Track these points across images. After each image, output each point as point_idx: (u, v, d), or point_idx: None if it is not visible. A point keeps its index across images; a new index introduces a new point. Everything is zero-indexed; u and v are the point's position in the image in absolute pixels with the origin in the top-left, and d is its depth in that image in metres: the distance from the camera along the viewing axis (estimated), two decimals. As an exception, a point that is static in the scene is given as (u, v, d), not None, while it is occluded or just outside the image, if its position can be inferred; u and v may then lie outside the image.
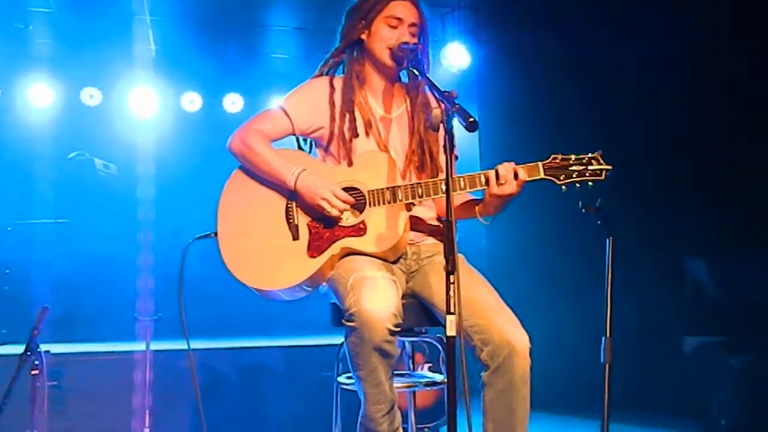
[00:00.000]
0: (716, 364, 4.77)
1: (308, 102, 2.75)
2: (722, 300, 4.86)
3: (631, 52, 4.99)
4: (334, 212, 2.57)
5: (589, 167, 2.52)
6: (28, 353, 3.28)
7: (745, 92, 4.64)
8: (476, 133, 2.12)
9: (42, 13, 5.90)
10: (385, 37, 2.71)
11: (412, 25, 2.73)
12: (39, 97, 6.22)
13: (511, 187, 2.49)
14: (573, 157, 2.53)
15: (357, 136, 2.70)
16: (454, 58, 6.02)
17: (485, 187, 2.53)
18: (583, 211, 2.81)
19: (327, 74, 2.83)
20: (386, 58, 2.71)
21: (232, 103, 6.86)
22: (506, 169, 2.50)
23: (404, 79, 2.87)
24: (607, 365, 3.03)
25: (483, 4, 5.91)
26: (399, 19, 2.71)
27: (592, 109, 5.11)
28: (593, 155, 2.54)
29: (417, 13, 2.76)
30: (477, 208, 2.64)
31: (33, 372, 3.27)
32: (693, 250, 5.08)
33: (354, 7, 2.82)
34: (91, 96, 6.45)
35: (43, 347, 3.38)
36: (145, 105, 6.30)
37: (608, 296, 3.03)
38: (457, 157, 2.85)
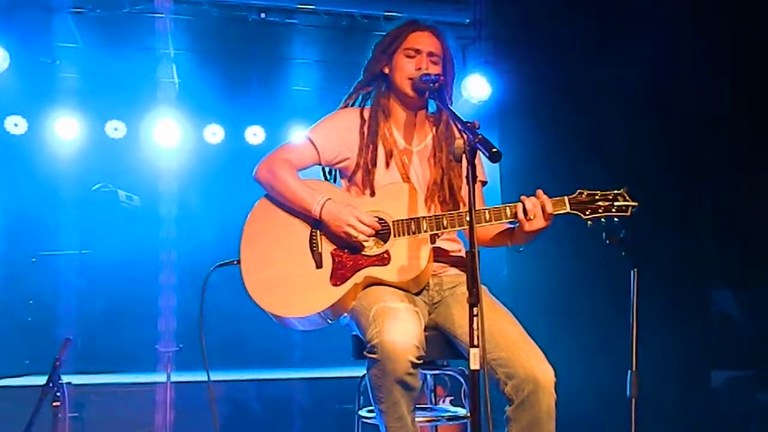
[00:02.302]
0: (745, 399, 4.67)
1: (335, 132, 2.77)
2: (751, 333, 4.77)
3: (654, 80, 4.98)
4: (361, 237, 2.56)
5: (615, 203, 2.53)
6: (50, 385, 3.28)
7: (765, 114, 4.61)
8: (498, 163, 2.11)
9: (68, 48, 6.03)
10: (404, 68, 2.74)
11: (432, 54, 2.74)
12: (65, 129, 6.32)
13: (540, 222, 2.50)
14: (599, 192, 2.55)
15: (376, 165, 2.71)
16: (475, 90, 6.03)
17: (510, 219, 2.53)
18: (608, 242, 2.80)
19: (352, 106, 2.85)
20: (407, 89, 2.73)
21: (254, 135, 6.92)
22: (533, 203, 2.50)
23: (432, 109, 2.87)
24: (633, 400, 2.98)
25: (502, 35, 5.93)
26: (417, 50, 2.74)
27: (614, 138, 5.08)
28: (619, 191, 2.55)
29: (438, 44, 2.78)
30: (509, 239, 2.66)
31: (54, 404, 3.27)
32: (719, 282, 5.00)
33: (379, 41, 2.86)
34: (115, 129, 6.55)
35: (64, 379, 3.38)
36: (169, 137, 6.37)
37: (634, 329, 2.99)
38: (485, 183, 2.84)
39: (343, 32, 6.03)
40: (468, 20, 6.12)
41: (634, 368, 2.99)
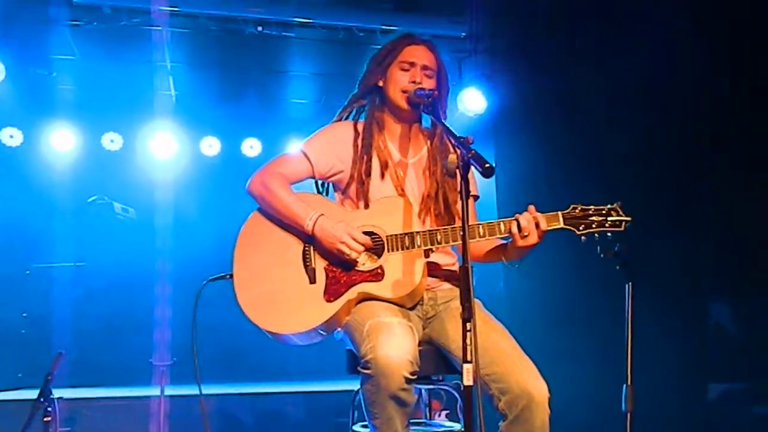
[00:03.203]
0: (742, 412, 4.65)
1: (329, 145, 2.77)
2: (747, 345, 4.76)
3: (650, 94, 4.99)
4: (353, 255, 2.55)
5: (609, 218, 2.53)
6: (41, 399, 3.26)
7: (764, 127, 4.62)
8: (493, 177, 2.11)
9: (65, 61, 6.03)
10: (398, 80, 2.74)
11: (426, 68, 2.75)
12: (61, 141, 6.32)
13: (534, 238, 2.51)
14: (593, 207, 2.55)
15: (370, 176, 2.70)
16: (471, 103, 6.04)
17: (504, 235, 2.53)
18: (602, 256, 2.79)
19: (347, 119, 2.85)
20: (401, 102, 2.73)
21: (251, 147, 6.93)
22: (527, 219, 2.50)
23: (426, 122, 2.88)
24: (628, 414, 2.97)
25: (498, 49, 5.95)
26: (412, 63, 2.75)
27: (610, 151, 5.09)
28: (612, 206, 2.56)
29: (432, 57, 2.78)
30: (503, 254, 2.66)
31: (46, 419, 3.24)
32: (715, 294, 4.99)
33: (374, 54, 2.86)
34: (112, 141, 6.55)
35: (56, 393, 3.36)
36: (165, 150, 6.37)
37: (629, 342, 2.99)
38: (477, 197, 2.84)
39: (339, 45, 6.04)
40: (464, 34, 6.13)
41: (629, 382, 2.98)
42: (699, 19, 4.68)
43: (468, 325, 2.04)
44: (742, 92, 4.66)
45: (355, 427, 2.73)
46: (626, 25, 4.96)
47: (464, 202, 2.14)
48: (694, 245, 4.91)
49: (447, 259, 2.76)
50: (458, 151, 2.19)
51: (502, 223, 2.53)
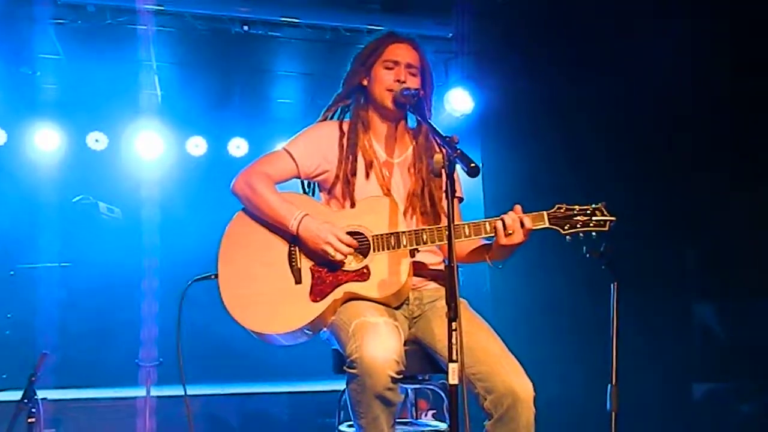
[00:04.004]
0: (726, 410, 4.69)
1: (314, 145, 2.76)
2: (731, 345, 4.80)
3: (635, 96, 5.01)
4: (338, 256, 2.55)
5: (593, 218, 2.54)
6: (25, 400, 3.24)
7: (754, 133, 4.65)
8: (480, 177, 2.12)
9: (50, 60, 5.98)
10: (383, 79, 2.74)
11: (410, 66, 2.75)
12: (45, 141, 6.28)
13: (519, 236, 2.51)
14: (577, 207, 2.56)
15: (355, 175, 2.70)
16: (458, 103, 6.05)
17: (490, 235, 2.54)
18: (588, 256, 2.80)
19: (332, 119, 2.84)
20: (387, 102, 2.73)
21: (237, 147, 6.91)
22: (512, 218, 2.51)
23: (412, 122, 2.88)
24: (613, 413, 2.99)
25: (485, 49, 5.97)
26: (396, 61, 2.75)
27: (596, 152, 5.11)
28: (597, 206, 2.57)
29: (416, 55, 2.79)
30: (487, 255, 2.65)
31: (30, 420, 3.22)
32: (701, 295, 5.03)
33: (357, 53, 2.86)
34: (96, 140, 6.51)
35: (41, 394, 3.33)
36: (151, 149, 6.34)
37: (614, 342, 3.00)
38: (461, 199, 2.85)
39: (326, 45, 6.03)
40: (451, 34, 6.14)
41: (614, 382, 3.00)
42: (699, 19, 4.70)
43: (453, 325, 2.04)
44: (741, 93, 4.69)
45: (341, 427, 2.73)
46: (618, 25, 4.98)
47: (449, 201, 2.15)
48: (679, 245, 4.94)
49: (433, 258, 2.76)
50: (444, 151, 2.20)
51: (487, 222, 2.54)
